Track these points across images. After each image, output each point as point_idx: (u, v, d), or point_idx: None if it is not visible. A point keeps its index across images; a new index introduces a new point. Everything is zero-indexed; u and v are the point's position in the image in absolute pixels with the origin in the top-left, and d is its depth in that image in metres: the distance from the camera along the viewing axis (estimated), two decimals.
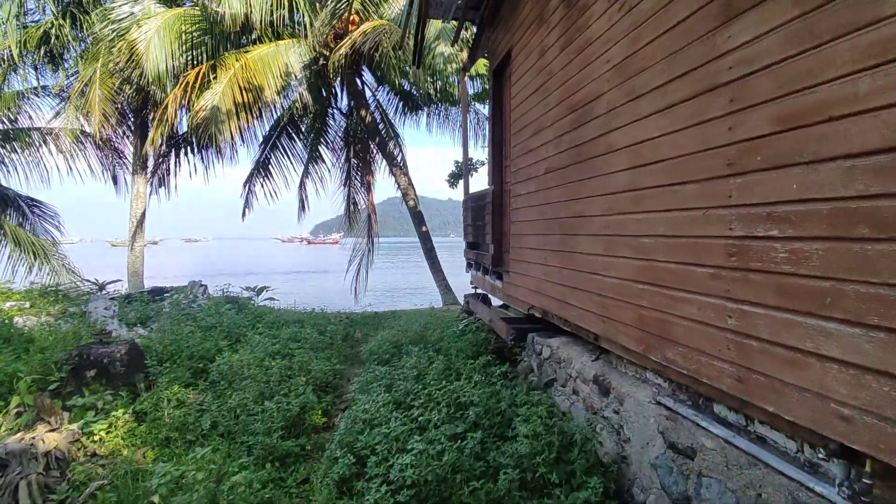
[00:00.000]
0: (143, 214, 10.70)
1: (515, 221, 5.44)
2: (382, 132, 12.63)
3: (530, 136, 4.91)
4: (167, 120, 8.99)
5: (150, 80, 8.75)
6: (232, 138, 8.88)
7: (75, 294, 8.31)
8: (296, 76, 9.89)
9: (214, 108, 8.67)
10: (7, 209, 11.86)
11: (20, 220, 12.08)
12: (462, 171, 17.34)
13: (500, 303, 6.59)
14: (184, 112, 8.99)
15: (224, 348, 5.38)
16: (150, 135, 9.38)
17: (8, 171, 11.01)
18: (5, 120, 10.45)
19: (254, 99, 9.09)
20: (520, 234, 5.28)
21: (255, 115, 9.33)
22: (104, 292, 8.04)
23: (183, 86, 8.94)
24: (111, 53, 9.13)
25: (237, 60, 9.28)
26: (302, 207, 14.80)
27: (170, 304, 6.75)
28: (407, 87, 14.34)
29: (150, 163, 11.52)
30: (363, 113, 12.15)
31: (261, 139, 12.86)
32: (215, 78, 9.08)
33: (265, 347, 5.41)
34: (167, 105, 8.92)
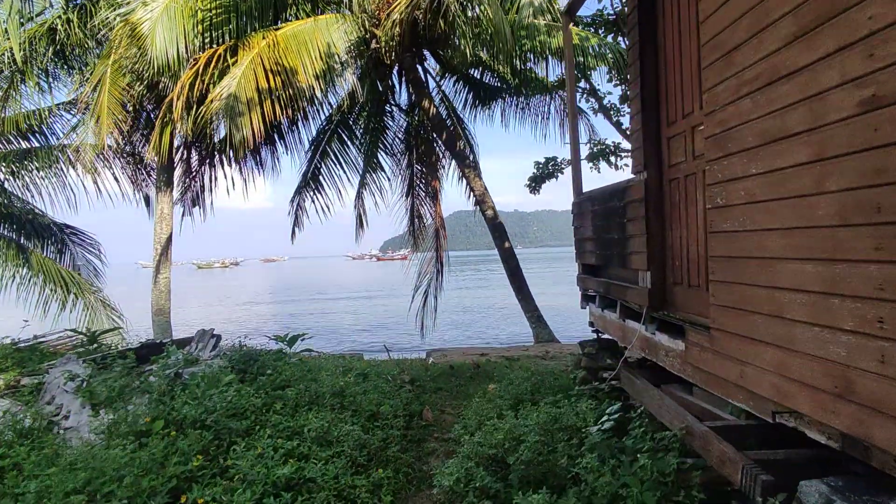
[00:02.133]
0: (170, 239, 8.98)
1: (722, 232, 2.78)
2: (450, 127, 10.25)
3: (779, 48, 2.27)
4: (173, 118, 7.11)
5: (158, 69, 6.91)
6: (254, 137, 6.83)
7: (70, 347, 6.53)
8: (340, 58, 7.75)
9: (231, 96, 6.66)
10: (39, 238, 10.54)
11: (58, 249, 10.75)
12: (545, 172, 14.68)
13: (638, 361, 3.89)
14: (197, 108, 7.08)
15: (197, 475, 3.07)
16: (153, 138, 7.54)
17: (32, 196, 9.61)
18: (19, 136, 9.08)
19: (283, 84, 7.00)
20: (742, 259, 2.61)
21: (288, 107, 7.23)
22: (95, 346, 6.17)
23: (193, 72, 7.04)
24: (120, 45, 7.40)
25: (263, 38, 7.28)
26: (360, 224, 12.69)
27: (157, 373, 4.60)
28: (477, 75, 11.95)
29: (178, 176, 9.83)
30: (426, 104, 9.84)
31: (307, 145, 10.88)
32: (235, 62, 7.11)
33: (268, 472, 3.06)
34: (172, 98, 7.04)
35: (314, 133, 10.89)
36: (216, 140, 7.53)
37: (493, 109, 12.34)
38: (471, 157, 9.99)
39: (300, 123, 10.39)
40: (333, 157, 11.46)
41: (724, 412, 2.98)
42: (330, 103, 10.52)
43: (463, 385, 5.47)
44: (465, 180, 10.26)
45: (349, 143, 11.51)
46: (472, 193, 10.17)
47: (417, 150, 12.06)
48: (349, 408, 4.34)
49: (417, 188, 12.45)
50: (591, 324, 5.58)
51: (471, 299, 33.46)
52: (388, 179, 12.38)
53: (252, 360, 5.13)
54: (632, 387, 3.84)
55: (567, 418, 3.63)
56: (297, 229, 11.90)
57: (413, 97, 11.35)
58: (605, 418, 3.50)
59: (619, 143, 13.38)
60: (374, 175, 12.13)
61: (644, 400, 3.49)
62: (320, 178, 11.58)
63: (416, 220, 12.57)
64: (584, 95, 13.46)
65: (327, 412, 4.14)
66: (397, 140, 12.03)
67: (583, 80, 13.22)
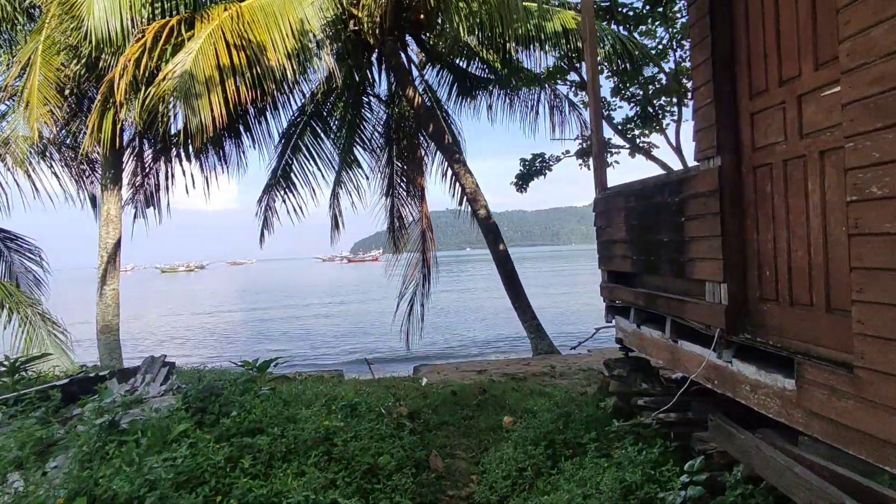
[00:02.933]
0: (118, 244, 7.79)
1: (882, 234, 1.97)
2: (436, 118, 9.36)
3: None
4: (116, 101, 5.98)
5: (96, 44, 5.80)
6: (214, 123, 5.77)
7: None
8: (315, 35, 6.76)
9: (186, 74, 5.62)
10: None
11: None
12: (532, 169, 13.92)
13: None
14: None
15: None
16: (90, 123, 6.36)
17: None
18: None
19: (249, 61, 5.97)
20: None
21: (256, 87, 6.18)
22: (16, 379, 5.01)
23: (140, 46, 5.93)
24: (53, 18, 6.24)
25: (225, 10, 6.24)
26: (336, 225, 11.69)
27: (86, 421, 3.56)
28: (463, 64, 11.09)
29: (130, 173, 8.64)
30: (410, 92, 8.92)
31: (277, 138, 9.82)
32: (191, 36, 6.05)
33: None
34: (113, 77, 5.91)
35: (285, 125, 9.85)
36: (171, 130, 6.44)
37: (480, 102, 11.50)
38: (459, 152, 9.14)
39: (269, 114, 9.35)
40: (306, 153, 10.43)
41: (874, 482, 2.18)
42: (303, 92, 9.51)
43: (471, 416, 4.59)
44: (453, 177, 9.40)
45: (323, 136, 10.50)
46: (461, 191, 9.31)
47: (398, 145, 11.13)
48: (339, 460, 3.40)
49: (398, 186, 11.52)
50: (619, 341, 4.78)
51: (449, 301, 32.58)
52: (367, 177, 11.42)
53: (213, 395, 4.12)
54: (726, 438, 2.99)
55: (633, 477, 2.77)
56: (266, 231, 10.82)
57: (394, 86, 10.43)
58: (685, 478, 2.67)
59: (609, 139, 12.72)
60: (350, 172, 11.15)
61: (753, 462, 2.62)
62: (292, 175, 10.53)
63: (397, 220, 11.64)
64: (573, 88, 12.78)
65: (311, 469, 3.20)
66: (376, 134, 11.07)
67: (573, 73, 12.55)
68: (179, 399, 4.06)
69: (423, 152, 11.35)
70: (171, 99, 5.61)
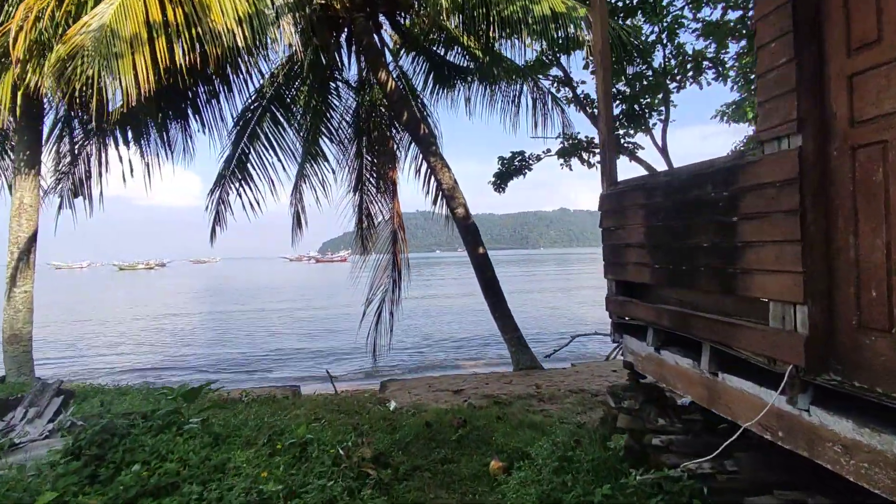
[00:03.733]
0: (34, 238, 6.61)
1: None
2: (411, 106, 8.47)
3: None
4: (16, 58, 4.88)
5: None
6: (140, 89, 4.74)
7: None
8: (273, 2, 5.80)
9: (105, 28, 4.59)
10: None
11: None
12: (511, 168, 13.15)
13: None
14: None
15: None
16: None
17: None
18: None
19: (188, 19, 4.96)
20: None
21: (194, 51, 5.14)
22: None
23: None
24: None
25: None
26: (298, 222, 10.68)
27: None
28: (441, 51, 10.25)
29: (54, 158, 7.45)
30: (383, 76, 8.01)
31: (231, 122, 8.77)
32: None
33: None
34: (10, 29, 4.80)
35: (240, 108, 8.80)
36: (93, 100, 5.36)
37: (458, 94, 10.67)
38: (435, 144, 8.28)
39: (223, 96, 8.30)
40: (265, 141, 9.39)
41: None
42: (261, 71, 8.49)
43: (450, 458, 3.72)
44: (429, 172, 8.55)
45: (285, 124, 9.49)
46: (436, 188, 8.46)
47: (369, 136, 10.20)
48: None
49: (367, 182, 10.59)
50: (629, 365, 4.00)
51: (420, 305, 31.65)
52: (333, 171, 10.45)
53: (116, 437, 3.15)
54: None
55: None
56: (218, 227, 9.72)
57: (365, 71, 9.51)
58: None
59: (591, 139, 12.09)
60: (315, 165, 10.16)
61: None
62: (249, 166, 9.48)
63: (366, 219, 10.70)
64: (555, 84, 12.10)
65: None
66: (344, 124, 10.12)
67: (555, 69, 11.87)
68: (69, 441, 3.07)
69: (395, 145, 10.46)
70: (86, 59, 4.56)
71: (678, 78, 11.25)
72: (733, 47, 11.33)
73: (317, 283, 52.62)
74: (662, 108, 11.29)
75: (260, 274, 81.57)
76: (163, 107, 7.89)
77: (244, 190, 9.51)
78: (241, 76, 8.10)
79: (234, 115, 8.71)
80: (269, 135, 9.38)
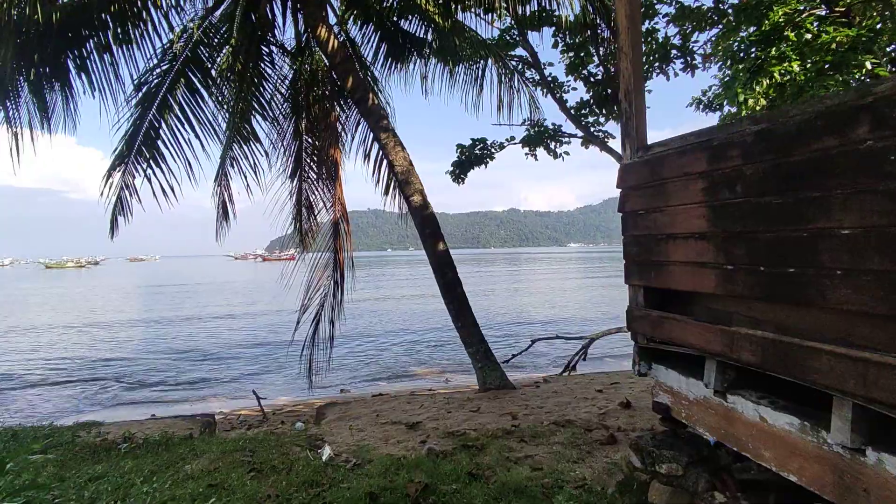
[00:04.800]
0: None
1: None
2: (356, 71, 7.05)
3: None
4: None
5: None
6: None
7: None
8: None
9: None
10: None
11: None
12: (472, 156, 11.91)
13: None
14: None
15: None
16: None
17: None
18: None
19: None
20: None
21: None
22: None
23: None
24: None
25: None
26: (224, 214, 9.08)
27: None
28: (394, 20, 8.86)
29: None
30: (323, 33, 6.57)
31: (130, 86, 7.09)
32: None
33: None
34: None
35: (141, 72, 7.12)
36: None
37: (414, 70, 9.33)
38: (387, 118, 6.90)
39: (118, 50, 6.61)
40: (180, 114, 7.75)
41: None
42: (171, 24, 6.87)
43: None
44: (380, 154, 7.20)
45: (205, 94, 7.87)
46: (388, 172, 7.13)
47: (308, 113, 8.70)
48: None
49: (307, 167, 9.09)
50: (664, 409, 2.80)
51: (367, 309, 29.98)
52: (266, 153, 8.89)
53: None
54: None
55: None
56: (121, 218, 8.00)
57: (306, 34, 8.02)
58: None
59: (559, 126, 11.05)
60: (244, 146, 8.58)
61: None
62: (160, 142, 7.81)
63: (306, 210, 9.21)
64: (522, 66, 10.97)
65: None
66: (279, 97, 8.57)
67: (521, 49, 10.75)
68: None
69: (340, 127, 9.02)
70: None
71: (644, 67, 10.38)
72: (702, 37, 10.59)
73: (261, 282, 50.01)
74: None
75: (200, 273, 77.29)
76: (37, 62, 6.15)
77: (154, 172, 7.83)
78: (141, 27, 6.47)
79: (135, 76, 7.02)
80: (185, 105, 7.74)
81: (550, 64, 10.67)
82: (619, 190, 2.88)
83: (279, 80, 8.43)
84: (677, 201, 2.43)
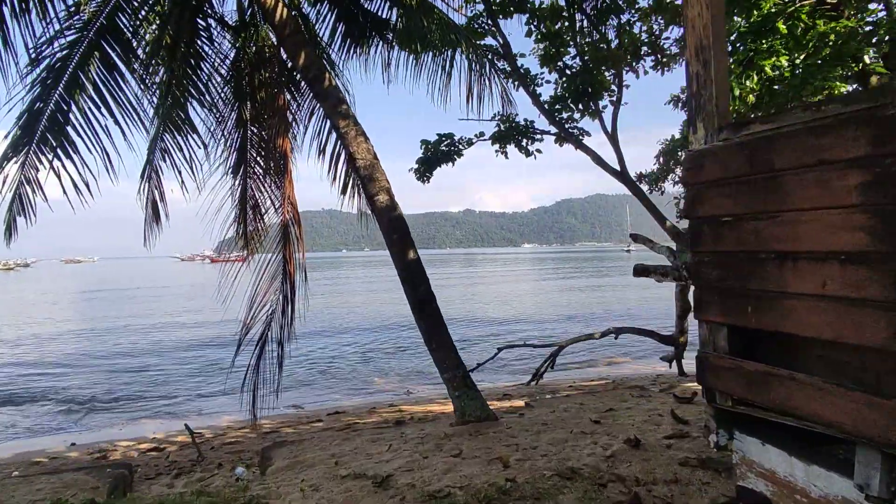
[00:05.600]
0: None
1: None
2: (310, 48, 5.99)
3: None
4: None
5: None
6: None
7: None
8: None
9: None
10: None
11: None
12: (438, 153, 10.97)
13: None
14: None
15: None
16: None
17: None
18: None
19: None
20: None
21: None
22: None
23: None
24: None
25: None
26: (155, 214, 7.83)
27: None
28: None
29: None
30: (269, 0, 5.50)
31: (26, 56, 5.80)
32: None
33: None
34: None
35: (39, 37, 5.83)
36: None
37: (375, 56, 8.33)
38: (346, 102, 5.86)
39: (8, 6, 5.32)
40: (95, 95, 6.48)
41: None
42: None
43: None
44: (337, 145, 6.19)
45: (126, 72, 6.62)
46: (346, 166, 6.13)
47: (254, 99, 7.57)
48: None
49: (253, 161, 7.95)
50: (760, 499, 1.96)
51: (322, 300, 28.50)
52: (205, 145, 7.68)
53: None
54: None
55: None
56: (20, 218, 6.64)
57: (250, 7, 6.89)
58: None
59: (531, 122, 10.30)
60: (177, 136, 7.37)
61: None
62: (70, 129, 6.51)
63: (251, 210, 8.05)
64: (492, 57, 10.15)
65: None
66: (217, 79, 7.40)
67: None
68: None
69: (291, 116, 7.93)
70: None
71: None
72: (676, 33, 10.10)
73: (207, 286, 47.36)
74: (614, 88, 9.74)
75: (141, 276, 73.06)
76: None
77: (64, 164, 6.52)
78: None
79: (31, 46, 5.72)
80: (102, 85, 6.47)
81: (522, 55, 9.86)
82: (688, 187, 2.04)
83: (219, 60, 7.27)
84: (806, 203, 1.59)
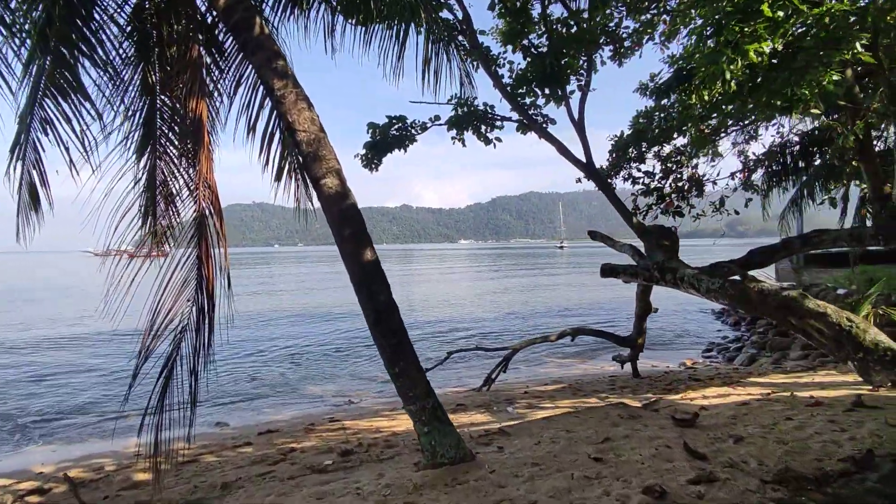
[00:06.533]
0: None
1: None
2: None
3: None
4: None
5: None
6: None
7: None
8: None
9: None
10: None
11: None
12: (389, 138, 9.68)
13: None
14: None
15: None
16: None
17: None
18: None
19: None
20: None
21: None
22: None
23: None
24: None
25: None
26: (33, 200, 6.25)
27: None
28: None
29: None
30: None
31: None
32: None
33: None
34: None
35: None
36: None
37: (317, 21, 7.06)
38: (283, 59, 4.55)
39: None
40: None
41: None
42: None
43: None
44: (272, 115, 4.91)
45: None
46: (286, 139, 4.88)
47: (163, 59, 6.10)
48: None
49: (164, 139, 6.47)
50: None
51: (251, 299, 26.15)
52: (99, 116, 6.11)
53: None
54: None
55: None
56: None
57: None
58: None
59: (492, 107, 9.36)
60: (63, 103, 5.81)
61: None
62: None
63: (164, 200, 6.55)
64: (447, 33, 9.10)
65: None
66: (113, 30, 5.87)
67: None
68: None
69: (212, 83, 6.53)
70: None
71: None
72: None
73: (115, 285, 43.28)
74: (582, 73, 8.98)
75: (43, 274, 66.22)
76: None
77: None
78: None
79: None
80: None
81: (483, 32, 8.88)
82: None
83: (114, 5, 5.74)
84: None
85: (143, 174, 6.45)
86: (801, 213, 14.68)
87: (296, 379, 14.41)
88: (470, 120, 9.17)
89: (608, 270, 8.77)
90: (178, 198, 6.51)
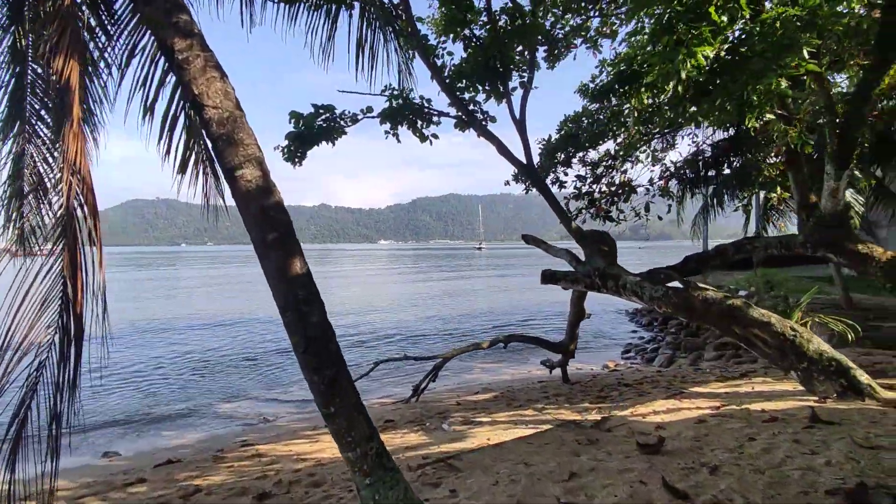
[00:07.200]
0: None
1: None
2: None
3: None
4: None
5: None
6: None
7: None
8: None
9: None
10: None
11: None
12: (315, 129, 8.65)
13: None
14: None
15: None
16: None
17: None
18: None
19: None
20: None
21: None
22: None
23: None
24: None
25: None
26: None
27: None
28: None
29: None
30: None
31: None
32: None
33: None
34: None
35: None
36: None
37: None
38: (188, 15, 3.59)
39: None
40: None
41: None
42: None
43: None
44: (177, 87, 3.93)
45: None
46: (192, 118, 3.93)
47: (35, 21, 4.85)
48: None
49: (34, 117, 5.19)
50: None
51: (129, 309, 23.42)
52: None
53: None
54: None
55: None
56: None
57: None
58: None
59: (429, 101, 8.67)
60: None
61: None
62: None
63: (37, 190, 5.24)
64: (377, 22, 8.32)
65: None
66: None
67: None
68: None
69: (97, 52, 5.32)
70: None
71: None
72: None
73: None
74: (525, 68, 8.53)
75: None
76: None
77: None
78: None
79: None
80: None
81: (420, 19, 8.20)
82: None
83: None
84: None
85: (6, 160, 5.16)
86: (707, 220, 15.31)
87: (200, 394, 12.83)
88: (405, 113, 8.44)
89: (548, 276, 8.38)
90: (52, 192, 5.25)
